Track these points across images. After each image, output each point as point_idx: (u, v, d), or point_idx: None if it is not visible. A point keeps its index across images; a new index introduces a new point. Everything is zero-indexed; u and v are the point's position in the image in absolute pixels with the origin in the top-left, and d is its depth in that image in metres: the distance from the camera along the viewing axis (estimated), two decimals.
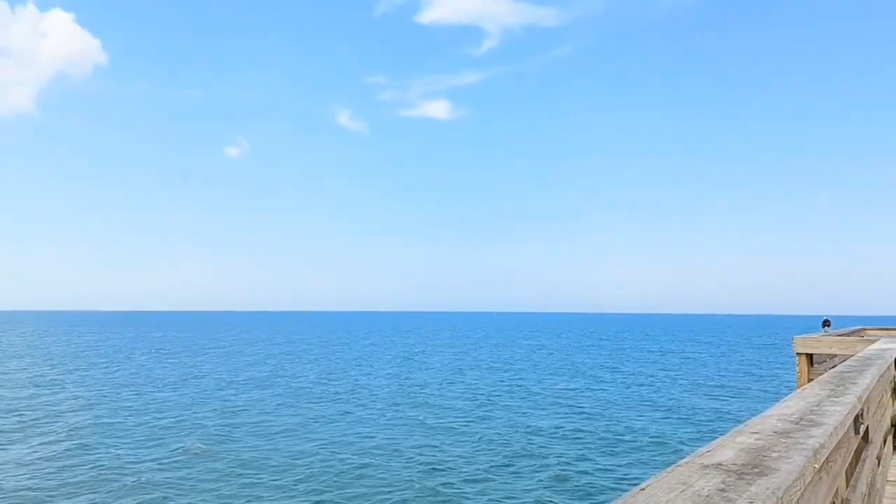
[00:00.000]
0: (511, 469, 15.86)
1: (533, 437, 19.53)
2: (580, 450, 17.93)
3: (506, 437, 19.52)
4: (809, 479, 1.55)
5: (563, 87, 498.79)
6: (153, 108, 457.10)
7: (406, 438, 19.43)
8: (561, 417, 23.39)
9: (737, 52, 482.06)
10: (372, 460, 16.60)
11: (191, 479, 14.68)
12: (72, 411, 23.95)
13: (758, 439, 1.73)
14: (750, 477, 1.31)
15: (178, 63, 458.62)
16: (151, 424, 21.46)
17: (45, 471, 15.15)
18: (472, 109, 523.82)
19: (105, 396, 27.84)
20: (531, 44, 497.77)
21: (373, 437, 19.57)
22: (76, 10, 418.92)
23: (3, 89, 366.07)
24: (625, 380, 36.47)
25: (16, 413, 23.37)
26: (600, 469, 16.10)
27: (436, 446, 18.38)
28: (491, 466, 16.03)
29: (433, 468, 15.88)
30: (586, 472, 15.71)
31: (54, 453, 17.03)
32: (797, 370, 8.11)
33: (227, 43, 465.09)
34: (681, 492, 1.20)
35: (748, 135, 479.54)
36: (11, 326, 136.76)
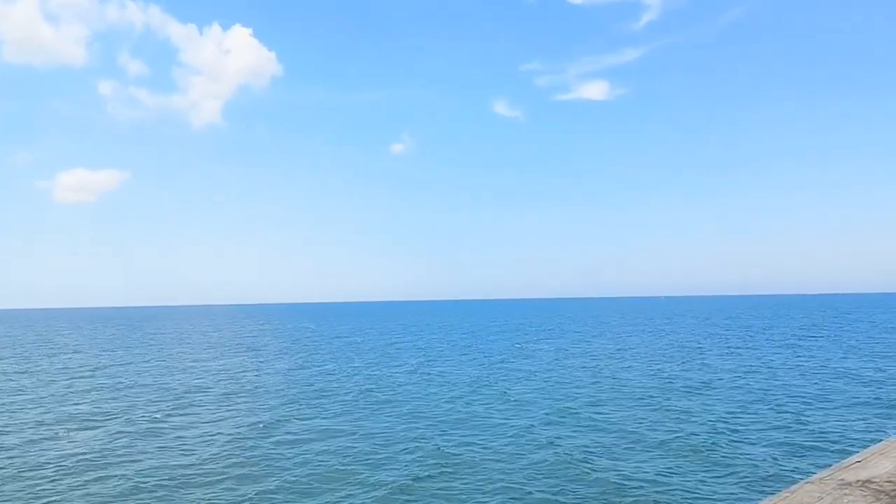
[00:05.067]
0: None
1: None
2: None
3: None
4: None
5: (731, 56, 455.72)
6: (325, 114, 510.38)
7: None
8: None
9: None
10: None
11: None
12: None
13: None
14: None
15: (344, 68, 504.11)
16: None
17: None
18: (633, 88, 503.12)
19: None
20: (695, 11, 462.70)
21: None
22: (253, 25, 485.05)
23: (196, 104, 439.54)
24: None
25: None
26: None
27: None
28: None
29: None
30: None
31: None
32: None
33: (387, 44, 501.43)
34: None
35: None
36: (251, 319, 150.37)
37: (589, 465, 14.78)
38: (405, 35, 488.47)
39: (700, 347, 46.07)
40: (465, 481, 13.89)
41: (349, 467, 15.13)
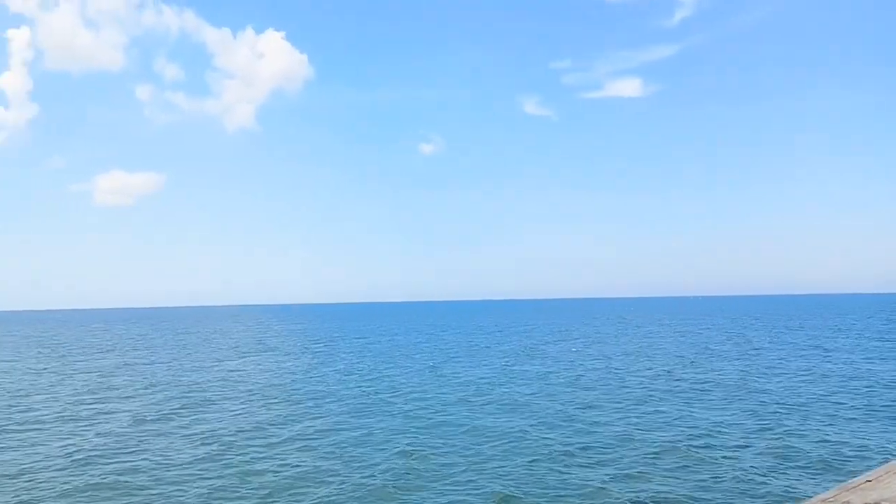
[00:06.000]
0: None
1: None
2: None
3: None
4: None
5: (766, 52, 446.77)
6: (355, 114, 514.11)
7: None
8: None
9: None
10: None
11: None
12: None
13: None
14: None
15: (373, 68, 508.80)
16: None
17: None
18: (666, 85, 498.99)
19: None
20: (730, 5, 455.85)
21: None
22: (286, 28, 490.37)
23: (230, 108, 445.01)
24: None
25: None
26: None
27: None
28: None
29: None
30: None
31: None
32: None
33: (417, 43, 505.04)
34: None
35: None
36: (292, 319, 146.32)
37: (576, 469, 14.82)
38: (435, 34, 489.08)
39: (722, 349, 45.44)
40: (458, 482, 14.06)
41: (346, 466, 15.40)
